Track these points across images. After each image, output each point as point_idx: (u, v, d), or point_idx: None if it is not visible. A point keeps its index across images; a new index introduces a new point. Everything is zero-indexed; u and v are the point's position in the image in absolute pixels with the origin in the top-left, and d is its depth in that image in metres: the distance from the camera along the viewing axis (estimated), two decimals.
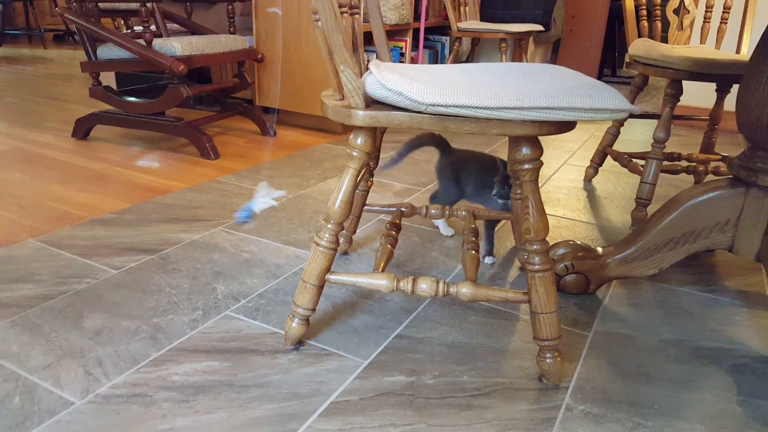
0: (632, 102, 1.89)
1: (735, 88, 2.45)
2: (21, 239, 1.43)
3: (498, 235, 1.57)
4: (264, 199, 1.69)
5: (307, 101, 2.60)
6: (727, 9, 1.86)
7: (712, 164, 1.80)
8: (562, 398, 0.95)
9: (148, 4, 2.06)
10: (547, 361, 0.96)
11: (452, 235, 1.56)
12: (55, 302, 1.16)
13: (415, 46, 3.05)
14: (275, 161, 2.17)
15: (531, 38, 3.56)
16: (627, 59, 1.79)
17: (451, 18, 2.88)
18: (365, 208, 1.34)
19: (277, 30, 2.54)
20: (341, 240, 1.40)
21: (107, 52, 2.19)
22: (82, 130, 2.37)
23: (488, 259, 1.41)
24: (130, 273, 1.28)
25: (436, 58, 3.43)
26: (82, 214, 1.60)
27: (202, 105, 2.98)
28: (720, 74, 1.49)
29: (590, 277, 1.25)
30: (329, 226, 0.97)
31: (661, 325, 1.17)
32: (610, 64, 4.67)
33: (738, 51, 1.83)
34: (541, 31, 3.17)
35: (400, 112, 0.84)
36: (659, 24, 1.89)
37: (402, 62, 3.00)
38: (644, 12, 1.88)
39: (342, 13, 0.96)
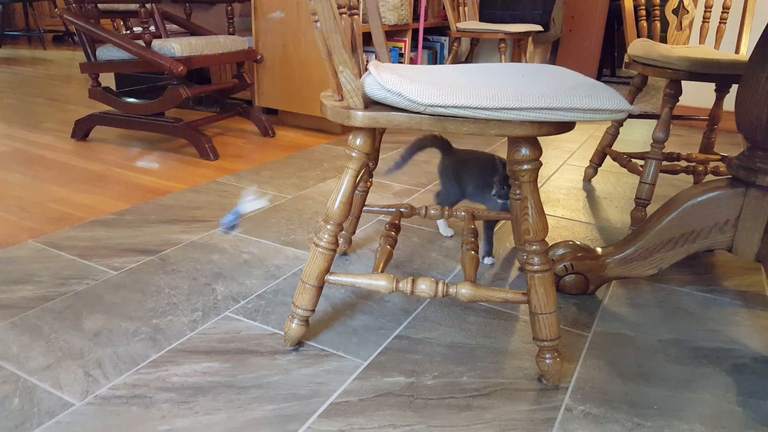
0: (631, 102, 1.89)
1: (734, 88, 2.45)
2: (21, 240, 1.43)
3: (497, 236, 1.57)
4: (250, 204, 1.68)
5: (307, 102, 2.60)
6: (726, 9, 1.86)
7: (712, 164, 1.80)
8: (561, 399, 0.95)
9: (148, 5, 2.06)
10: (547, 361, 0.96)
11: (452, 236, 1.56)
12: (54, 303, 1.16)
13: (414, 46, 3.06)
14: (274, 162, 2.17)
15: (530, 38, 3.56)
16: (626, 59, 1.79)
17: (450, 18, 2.88)
18: (364, 208, 1.34)
19: (274, 30, 2.54)
20: (340, 241, 1.40)
21: (106, 53, 2.19)
22: (82, 131, 2.37)
23: (488, 260, 1.41)
24: (130, 274, 1.28)
25: (435, 59, 3.43)
26: (82, 215, 1.60)
27: (202, 106, 2.98)
28: (719, 74, 1.49)
29: (590, 277, 1.25)
30: (328, 226, 0.97)
31: (660, 326, 1.17)
32: (609, 64, 4.68)
33: (737, 51, 1.83)
34: (540, 32, 3.17)
35: (399, 113, 0.84)
36: (658, 24, 1.89)
37: (401, 63, 3.00)
38: (643, 12, 1.88)
39: (341, 13, 0.97)
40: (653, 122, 3.06)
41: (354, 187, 0.95)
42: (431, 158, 2.22)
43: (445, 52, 3.46)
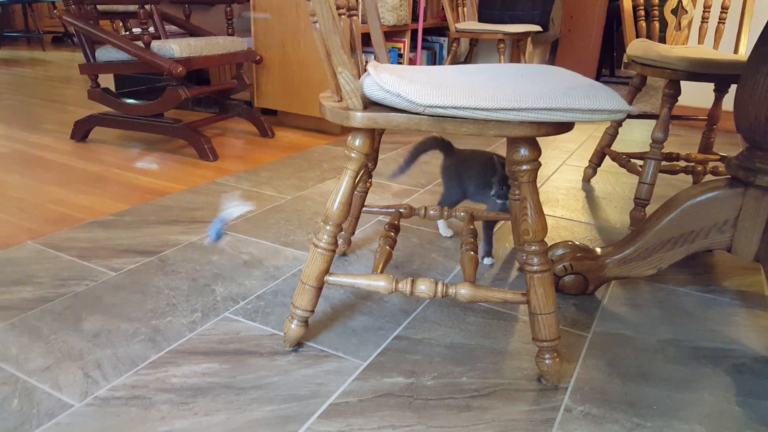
0: (630, 102, 1.89)
1: (733, 88, 2.45)
2: (20, 241, 1.43)
3: (497, 236, 1.57)
4: (234, 210, 1.67)
5: (306, 102, 2.60)
6: (725, 9, 1.86)
7: (711, 164, 1.80)
8: (561, 399, 0.95)
9: (147, 6, 2.06)
10: (546, 361, 0.96)
11: (451, 236, 1.56)
12: (54, 304, 1.16)
13: (413, 47, 3.06)
14: (274, 162, 2.17)
15: (529, 39, 3.56)
16: (625, 59, 1.79)
17: (449, 19, 2.88)
18: (364, 209, 1.34)
19: (273, 30, 2.54)
20: (340, 241, 1.40)
21: (106, 54, 2.19)
22: (81, 132, 2.37)
23: (487, 260, 1.41)
24: (129, 275, 1.28)
25: (434, 59, 3.43)
26: (81, 216, 1.60)
27: (201, 107, 2.98)
28: (718, 74, 1.49)
29: (589, 277, 1.25)
30: (328, 227, 0.97)
31: (660, 326, 1.18)
32: (608, 64, 4.68)
33: (736, 51, 1.83)
34: (539, 32, 3.17)
35: (398, 114, 0.84)
36: (657, 24, 1.89)
37: (400, 63, 3.00)
38: (642, 12, 1.88)
39: (340, 14, 0.97)
40: (652, 122, 3.07)
41: (353, 188, 0.95)
42: (431, 159, 2.22)
43: (444, 52, 3.46)
